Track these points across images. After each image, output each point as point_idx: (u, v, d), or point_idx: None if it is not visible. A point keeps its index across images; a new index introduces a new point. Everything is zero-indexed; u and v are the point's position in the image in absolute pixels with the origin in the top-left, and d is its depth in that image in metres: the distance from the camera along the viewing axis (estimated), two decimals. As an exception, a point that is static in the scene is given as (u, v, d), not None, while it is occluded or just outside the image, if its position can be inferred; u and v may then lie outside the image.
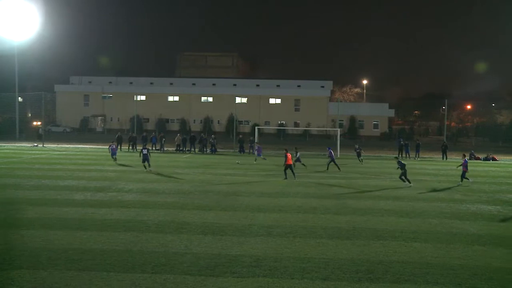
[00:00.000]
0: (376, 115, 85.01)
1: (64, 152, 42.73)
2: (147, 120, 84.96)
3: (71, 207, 17.80)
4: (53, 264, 11.32)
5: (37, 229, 14.53)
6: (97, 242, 13.25)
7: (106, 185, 23.44)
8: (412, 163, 38.88)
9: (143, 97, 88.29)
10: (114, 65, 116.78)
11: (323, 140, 66.63)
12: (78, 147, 48.98)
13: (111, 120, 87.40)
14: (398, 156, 43.70)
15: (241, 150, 45.17)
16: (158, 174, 28.03)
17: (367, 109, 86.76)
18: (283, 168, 27.19)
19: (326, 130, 76.81)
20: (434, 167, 35.90)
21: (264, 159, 37.23)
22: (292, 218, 16.82)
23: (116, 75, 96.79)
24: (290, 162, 26.82)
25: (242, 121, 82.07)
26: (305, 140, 72.93)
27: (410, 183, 24.98)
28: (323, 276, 11.05)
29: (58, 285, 10.10)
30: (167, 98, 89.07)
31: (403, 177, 25.09)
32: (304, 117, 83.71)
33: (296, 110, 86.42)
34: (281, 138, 73.29)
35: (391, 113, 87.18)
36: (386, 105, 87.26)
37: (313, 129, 77.68)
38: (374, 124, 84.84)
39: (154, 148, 46.67)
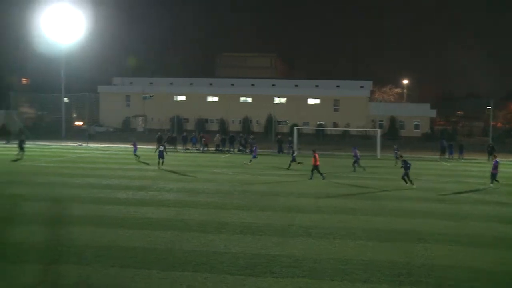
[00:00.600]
0: (417, 115, 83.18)
1: (107, 152, 43.83)
2: (187, 120, 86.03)
3: (114, 205, 18.26)
4: (97, 261, 11.64)
5: (83, 226, 14.98)
6: (139, 240, 13.55)
7: (147, 184, 23.91)
8: (456, 165, 37.88)
9: (182, 98, 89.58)
10: (154, 66, 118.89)
11: (363, 141, 65.72)
12: (120, 147, 50.09)
13: (152, 120, 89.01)
14: (441, 157, 42.67)
15: (280, 150, 45.21)
16: (198, 173, 28.37)
17: (408, 109, 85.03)
18: (311, 168, 27.28)
19: (365, 130, 75.76)
20: (479, 168, 34.83)
21: (254, 157, 35.44)
22: (331, 219, 16.71)
23: (157, 76, 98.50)
24: (318, 162, 26.95)
25: (280, 121, 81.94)
26: (344, 140, 72.16)
27: (413, 184, 24.40)
28: (364, 279, 10.93)
29: (101, 281, 10.39)
30: (206, 99, 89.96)
31: (405, 178, 24.59)
32: (343, 117, 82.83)
33: (335, 110, 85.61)
34: (320, 139, 72.79)
35: (433, 113, 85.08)
36: (428, 105, 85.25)
37: (353, 130, 76.75)
38: (415, 124, 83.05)
39: (194, 148, 47.29)
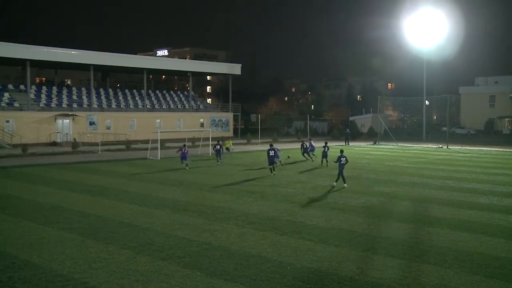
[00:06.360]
0: None
1: (468, 154, 42.31)
2: None
3: (475, 210, 17.49)
4: (459, 266, 11.36)
5: (442, 228, 14.93)
6: (505, 251, 12.56)
7: (514, 191, 21.94)
8: None
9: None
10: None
11: None
12: (483, 150, 47.54)
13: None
14: None
15: None
16: None
17: None
18: None
19: None
20: None
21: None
22: None
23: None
24: None
25: None
26: None
27: None
28: None
29: (464, 287, 10.13)
30: None
31: None
32: None
33: None
34: None
35: None
36: None
37: None
38: None
39: None
